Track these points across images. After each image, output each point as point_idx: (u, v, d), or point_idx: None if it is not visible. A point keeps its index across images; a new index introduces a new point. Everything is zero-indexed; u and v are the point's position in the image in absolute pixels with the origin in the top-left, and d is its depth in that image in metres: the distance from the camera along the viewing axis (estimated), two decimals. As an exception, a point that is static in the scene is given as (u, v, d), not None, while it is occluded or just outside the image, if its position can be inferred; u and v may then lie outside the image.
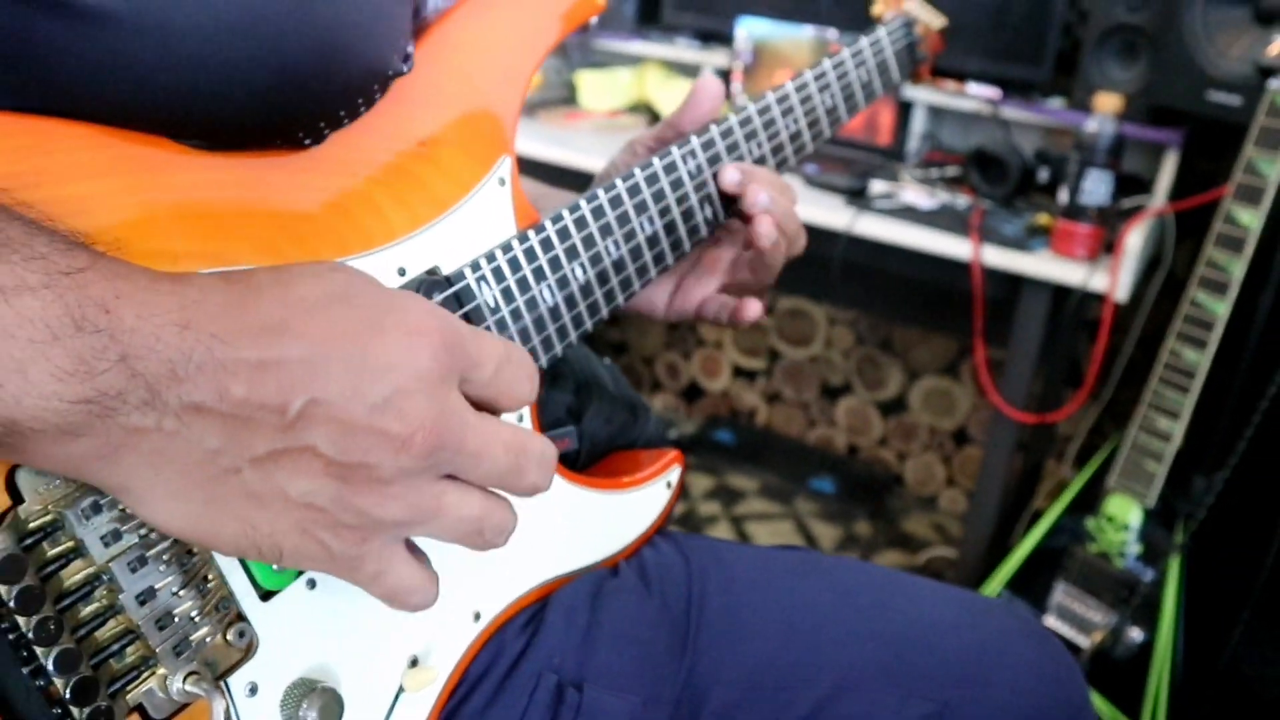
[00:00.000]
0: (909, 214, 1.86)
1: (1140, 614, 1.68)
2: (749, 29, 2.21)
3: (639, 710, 0.68)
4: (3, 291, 0.38)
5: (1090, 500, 1.79)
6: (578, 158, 2.07)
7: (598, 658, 0.68)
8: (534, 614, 0.69)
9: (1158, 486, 1.67)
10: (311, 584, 0.54)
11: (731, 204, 0.79)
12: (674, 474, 0.77)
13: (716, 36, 2.35)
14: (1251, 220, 1.52)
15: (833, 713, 0.71)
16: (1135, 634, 1.66)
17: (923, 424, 2.67)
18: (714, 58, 2.29)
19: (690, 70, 2.36)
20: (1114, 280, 1.68)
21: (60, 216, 0.43)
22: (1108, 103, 1.68)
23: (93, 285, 0.40)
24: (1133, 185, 1.94)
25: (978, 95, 2.04)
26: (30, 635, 0.43)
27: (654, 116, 2.33)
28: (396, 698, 0.58)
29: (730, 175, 0.77)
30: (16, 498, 0.44)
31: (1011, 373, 1.89)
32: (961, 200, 1.96)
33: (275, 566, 0.51)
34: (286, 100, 0.53)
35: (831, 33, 2.14)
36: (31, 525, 0.44)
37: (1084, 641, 1.66)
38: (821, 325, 2.75)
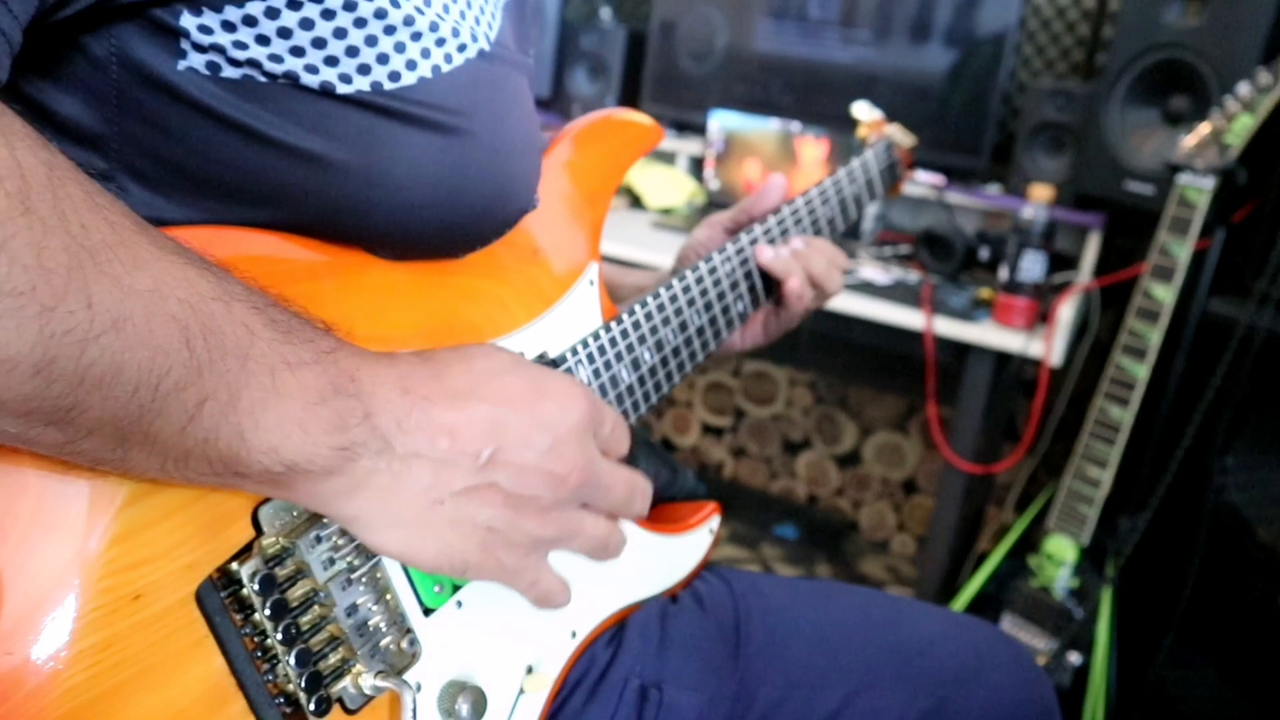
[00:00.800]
0: (867, 288, 1.95)
1: (1078, 640, 1.75)
2: (720, 121, 2.30)
3: (706, 706, 0.78)
4: (290, 366, 0.49)
5: (1030, 541, 1.86)
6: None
7: (671, 664, 0.78)
8: (615, 633, 0.79)
9: (1090, 527, 1.75)
10: (459, 604, 0.64)
11: (768, 285, 0.93)
12: (714, 521, 0.88)
13: (691, 127, 2.43)
14: (1165, 295, 1.64)
15: (856, 707, 0.82)
16: (1074, 658, 1.73)
17: (875, 475, 2.74)
18: (689, 146, 2.38)
19: (667, 157, 2.44)
20: (1049, 347, 1.78)
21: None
22: (1041, 193, 1.80)
23: (343, 361, 0.51)
24: (1062, 262, 2.05)
25: (925, 182, 2.10)
26: (279, 638, 0.53)
27: (634, 199, 2.41)
28: (518, 697, 0.67)
29: (764, 254, 0.91)
30: (259, 530, 0.54)
31: (959, 428, 1.97)
32: (913, 276, 2.06)
33: (462, 577, 0.61)
34: (462, 231, 0.65)
35: (795, 125, 2.24)
36: (270, 552, 0.54)
37: (1030, 667, 1.75)
38: (783, 386, 2.82)
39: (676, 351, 0.84)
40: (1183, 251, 1.63)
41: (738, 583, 0.89)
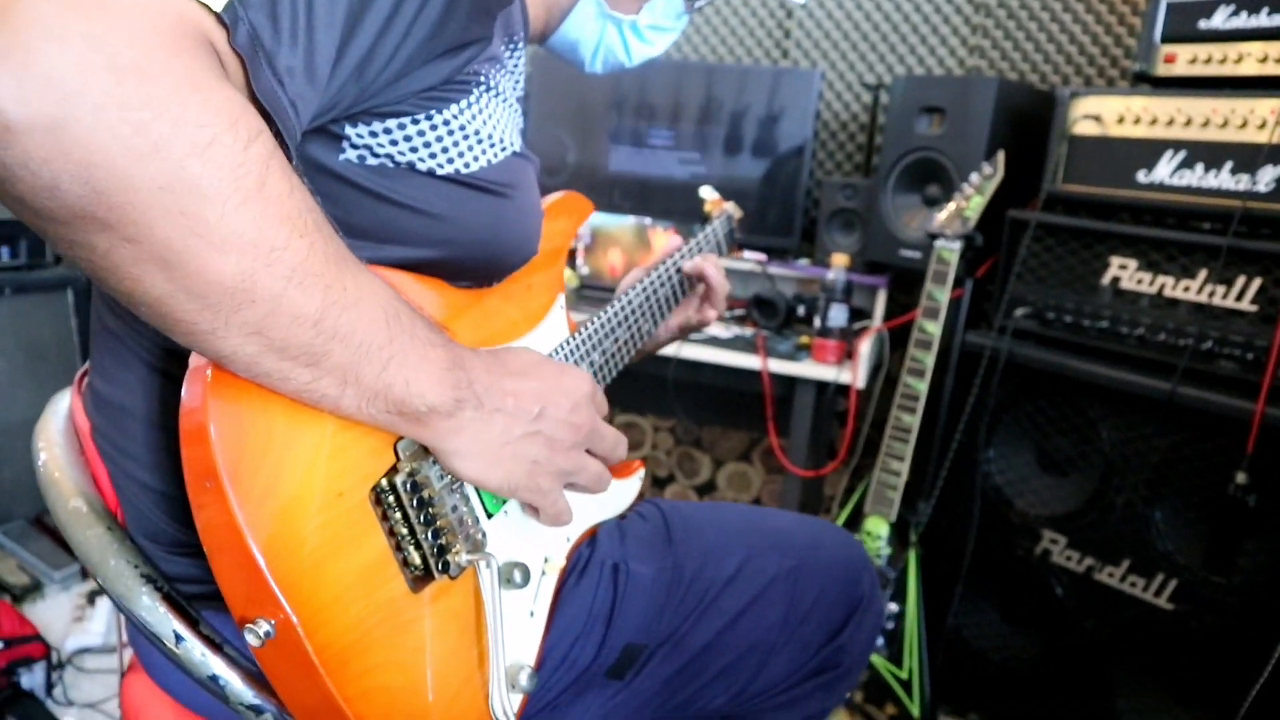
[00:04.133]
0: (714, 341, 2.21)
1: (895, 594, 1.97)
2: (587, 220, 2.53)
3: (656, 573, 1.01)
4: (433, 344, 0.69)
5: (853, 524, 2.07)
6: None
7: (630, 549, 1.01)
8: (591, 538, 1.02)
9: (896, 507, 1.97)
10: (506, 513, 0.85)
11: (683, 287, 1.21)
12: (641, 472, 1.12)
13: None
14: (934, 329, 1.91)
15: (748, 568, 1.07)
16: (893, 607, 1.96)
17: (728, 499, 2.94)
18: None
19: (543, 250, 2.68)
20: (855, 373, 2.05)
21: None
22: (840, 259, 2.08)
23: (454, 348, 0.72)
24: (860, 314, 2.31)
25: (751, 259, 2.40)
26: (421, 521, 0.73)
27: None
28: (542, 576, 0.90)
29: (689, 265, 1.20)
30: (397, 456, 0.74)
31: (794, 447, 2.21)
32: (748, 331, 2.31)
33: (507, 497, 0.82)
34: (501, 266, 0.87)
35: (646, 220, 2.48)
36: (407, 469, 0.74)
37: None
38: (649, 433, 3.03)
39: (614, 355, 1.07)
40: (943, 296, 1.90)
41: (663, 504, 1.13)
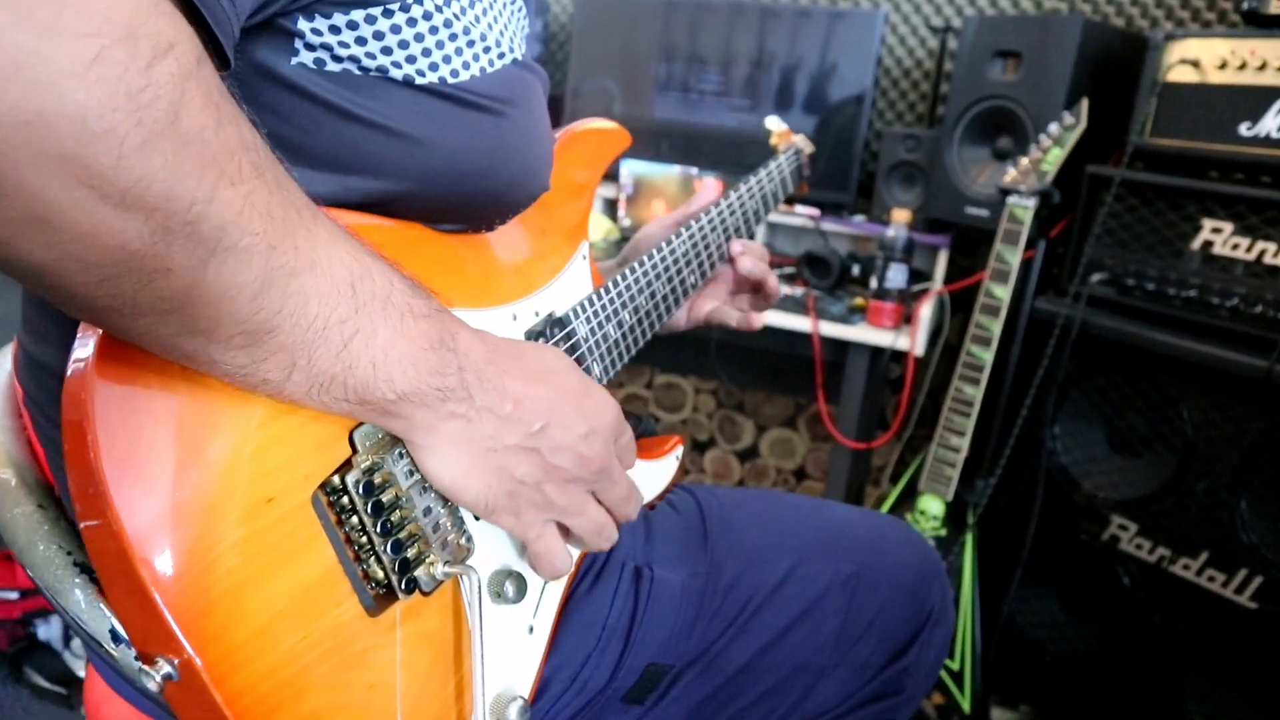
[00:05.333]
0: None
1: (948, 578, 1.85)
2: (630, 168, 2.36)
3: (687, 580, 0.84)
4: (414, 315, 0.54)
5: (906, 503, 1.94)
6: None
7: (656, 549, 0.85)
8: None
9: (954, 485, 1.83)
10: None
11: (714, 264, 1.02)
12: (679, 450, 0.94)
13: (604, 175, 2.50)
14: (1003, 293, 1.75)
15: (798, 574, 0.90)
16: None
17: (771, 465, 2.81)
18: (603, 190, 2.40)
19: (584, 201, 2.51)
20: (913, 340, 1.89)
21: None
22: (900, 215, 1.91)
23: (445, 320, 0.57)
24: (920, 275, 2.15)
25: (803, 214, 2.24)
26: (377, 531, 0.58)
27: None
28: (545, 585, 0.73)
29: (735, 248, 1.02)
30: (354, 449, 0.58)
31: (843, 415, 2.06)
32: (798, 290, 2.14)
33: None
34: (499, 202, 0.70)
35: (693, 170, 2.31)
36: (364, 465, 0.58)
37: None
38: (690, 395, 2.88)
39: (648, 314, 0.90)
40: (1014, 258, 1.74)
41: (699, 492, 0.96)
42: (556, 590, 0.75)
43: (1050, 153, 1.73)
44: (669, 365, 2.87)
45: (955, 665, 1.80)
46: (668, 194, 2.35)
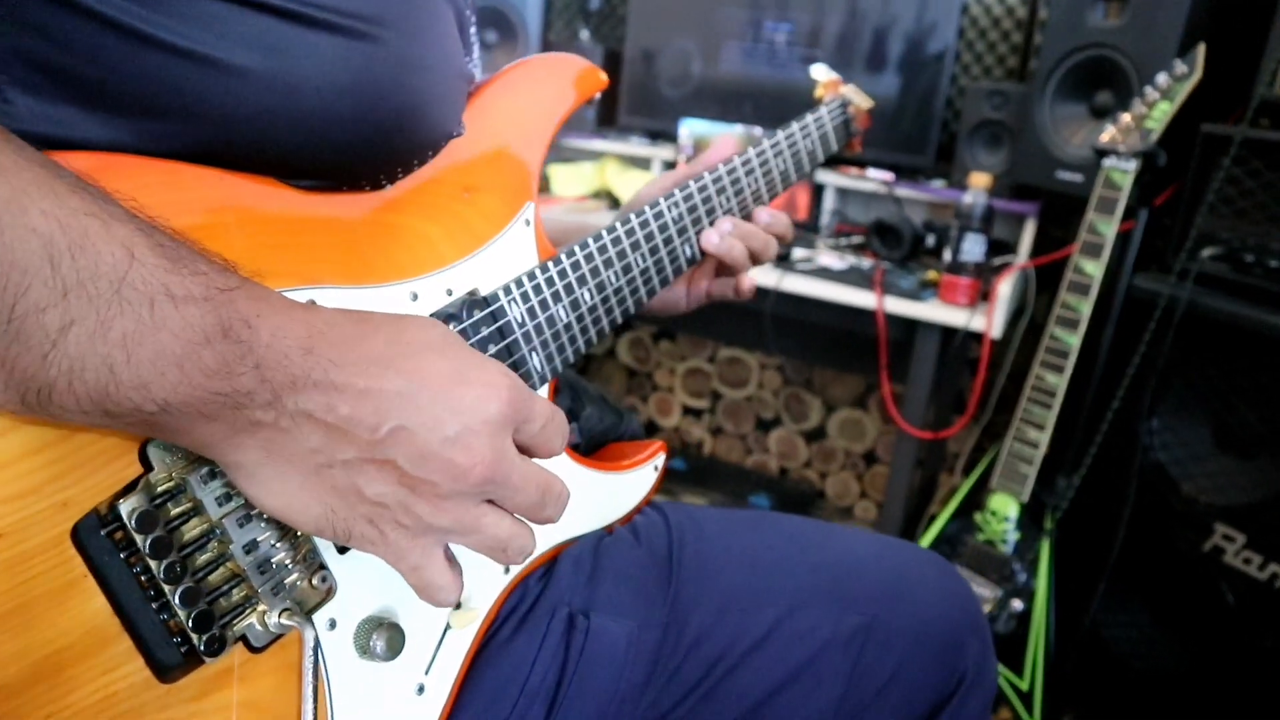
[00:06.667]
0: (824, 273, 1.86)
1: (1020, 589, 1.65)
2: (690, 128, 2.19)
3: (635, 632, 0.67)
4: (173, 299, 0.39)
5: (977, 500, 1.76)
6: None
7: (601, 592, 0.68)
8: (548, 566, 0.69)
9: (1030, 485, 1.64)
10: None
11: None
12: (660, 459, 0.78)
13: (663, 135, 2.33)
14: (1095, 270, 1.53)
15: (788, 627, 0.71)
16: (1016, 605, 1.63)
17: (839, 448, 2.63)
18: (661, 152, 2.27)
19: (642, 163, 2.34)
20: (990, 320, 1.68)
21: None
22: (980, 179, 1.69)
23: (240, 303, 0.41)
24: (1001, 248, 1.95)
25: (875, 178, 2.04)
26: (161, 576, 0.44)
27: (614, 201, 2.30)
28: (445, 632, 0.58)
29: (708, 238, 0.81)
30: (147, 466, 0.44)
31: (911, 400, 1.86)
32: (866, 262, 1.95)
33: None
34: (376, 150, 0.54)
35: (757, 130, 2.13)
36: (160, 489, 0.44)
37: (976, 614, 1.64)
38: (755, 370, 2.71)
39: (618, 292, 0.72)
40: (1109, 229, 1.52)
41: (674, 513, 0.78)
42: (464, 638, 0.59)
43: (1156, 108, 1.49)
44: (732, 338, 2.69)
45: (1025, 685, 1.60)
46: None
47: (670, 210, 0.77)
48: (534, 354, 0.64)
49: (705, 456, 2.86)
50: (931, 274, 1.84)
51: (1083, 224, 1.55)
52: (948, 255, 1.74)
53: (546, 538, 0.68)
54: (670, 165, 2.28)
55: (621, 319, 0.73)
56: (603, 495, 0.73)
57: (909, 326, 1.80)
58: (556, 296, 0.67)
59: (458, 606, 0.59)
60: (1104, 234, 1.52)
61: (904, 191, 2.04)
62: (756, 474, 2.77)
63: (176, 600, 0.44)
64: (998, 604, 1.61)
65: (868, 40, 2.07)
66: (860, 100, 1.04)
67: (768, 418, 2.74)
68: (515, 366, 0.63)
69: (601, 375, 2.96)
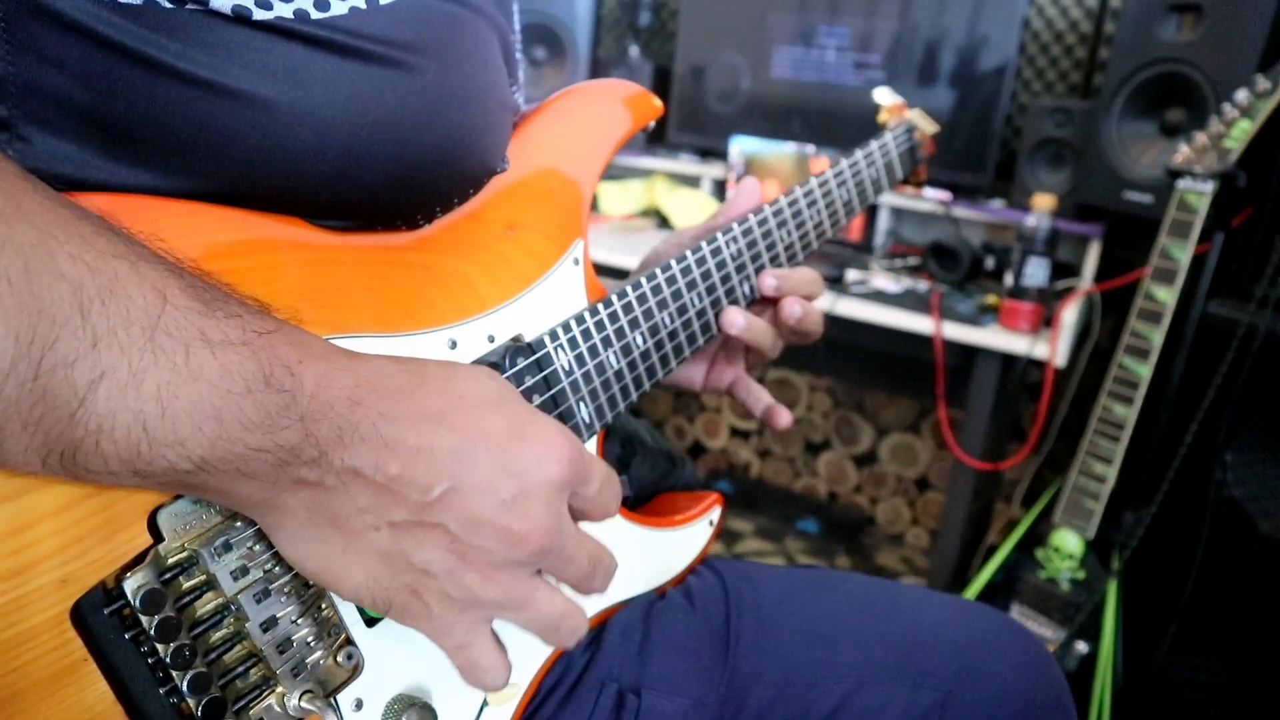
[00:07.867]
0: (879, 297, 1.79)
1: (1084, 630, 1.57)
2: (740, 146, 2.14)
3: (690, 711, 0.62)
4: (210, 344, 0.35)
5: (1037, 535, 1.67)
6: (598, 254, 2.02)
7: (652, 666, 0.63)
8: (595, 634, 0.64)
9: (1096, 521, 1.56)
10: None
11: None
12: (715, 513, 0.72)
13: (713, 153, 2.29)
14: (1167, 296, 1.46)
15: (856, 704, 0.66)
16: (1081, 647, 1.55)
17: (891, 473, 2.55)
18: (711, 170, 2.23)
19: (691, 181, 2.30)
20: (1053, 349, 1.60)
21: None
22: (1044, 201, 1.62)
23: (280, 347, 0.37)
24: (1064, 271, 1.87)
25: (932, 198, 1.97)
26: (168, 660, 0.40)
27: (662, 220, 2.26)
28: (481, 709, 0.53)
29: (767, 282, 0.73)
30: (157, 536, 0.40)
31: (968, 428, 1.78)
32: (922, 285, 1.88)
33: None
34: (411, 189, 0.50)
35: (809, 148, 2.07)
36: (170, 561, 0.40)
37: (1039, 655, 1.57)
38: (804, 392, 2.64)
39: (673, 336, 0.67)
40: (1184, 254, 1.44)
41: (730, 574, 0.72)
42: (502, 716, 0.55)
43: (1236, 126, 1.41)
44: (781, 359, 2.59)
45: (1089, 733, 1.51)
46: (781, 174, 2.11)
47: (729, 246, 0.71)
48: (582, 404, 0.60)
49: (753, 479, 2.80)
50: (991, 298, 1.77)
51: (1154, 248, 1.47)
52: (1008, 279, 1.66)
53: (593, 603, 0.63)
54: (720, 184, 2.24)
55: (675, 364, 0.68)
56: (654, 555, 0.68)
57: (967, 352, 1.73)
58: (607, 342, 0.62)
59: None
60: (1177, 259, 1.44)
61: (961, 211, 1.97)
62: (805, 498, 2.70)
63: (185, 686, 0.40)
64: (1061, 646, 1.53)
65: (920, 54, 2.01)
66: (926, 125, 0.98)
67: (817, 441, 2.66)
68: (562, 418, 0.58)
69: (648, 396, 2.90)
